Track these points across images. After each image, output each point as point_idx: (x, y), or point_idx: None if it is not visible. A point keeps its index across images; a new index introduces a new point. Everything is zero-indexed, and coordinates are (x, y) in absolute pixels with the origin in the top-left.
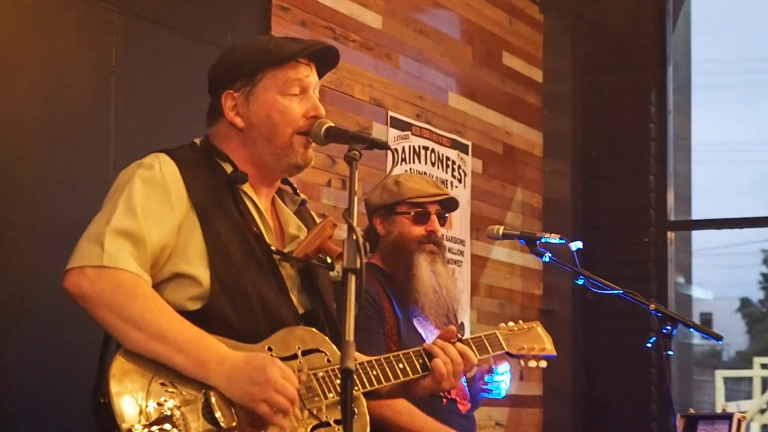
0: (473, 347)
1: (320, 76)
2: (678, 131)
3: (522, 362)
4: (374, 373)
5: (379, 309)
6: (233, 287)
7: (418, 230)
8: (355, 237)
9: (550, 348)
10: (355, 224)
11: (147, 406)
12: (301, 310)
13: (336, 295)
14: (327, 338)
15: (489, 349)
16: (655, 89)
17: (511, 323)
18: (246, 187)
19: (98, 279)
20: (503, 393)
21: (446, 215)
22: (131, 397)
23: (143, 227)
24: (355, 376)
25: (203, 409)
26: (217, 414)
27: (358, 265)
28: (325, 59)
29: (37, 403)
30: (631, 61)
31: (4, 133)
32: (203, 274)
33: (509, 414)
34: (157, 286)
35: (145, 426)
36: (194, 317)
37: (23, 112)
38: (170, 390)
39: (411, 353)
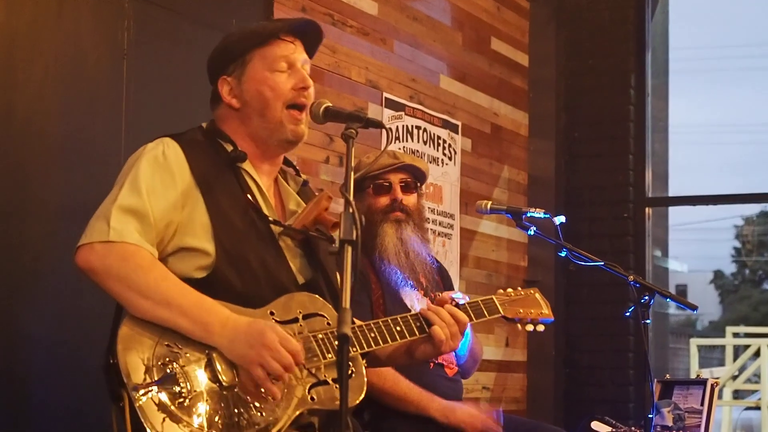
0: (470, 312)
1: (311, 54)
2: (656, 113)
3: (519, 326)
4: (372, 335)
5: (364, 280)
6: (237, 256)
7: (383, 200)
8: (351, 210)
9: (547, 312)
10: (351, 198)
11: (152, 365)
12: (301, 280)
13: (336, 265)
14: (327, 303)
15: (485, 313)
16: (634, 73)
17: (510, 290)
18: (246, 165)
19: (106, 253)
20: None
21: (417, 184)
22: (137, 358)
23: (147, 204)
24: (353, 338)
25: (206, 368)
26: (220, 372)
27: (354, 237)
28: (309, 36)
29: (52, 367)
30: (611, 46)
31: (21, 115)
32: (209, 246)
33: (495, 378)
34: (164, 259)
35: (149, 384)
36: (200, 285)
37: (39, 95)
38: (175, 351)
39: (408, 317)
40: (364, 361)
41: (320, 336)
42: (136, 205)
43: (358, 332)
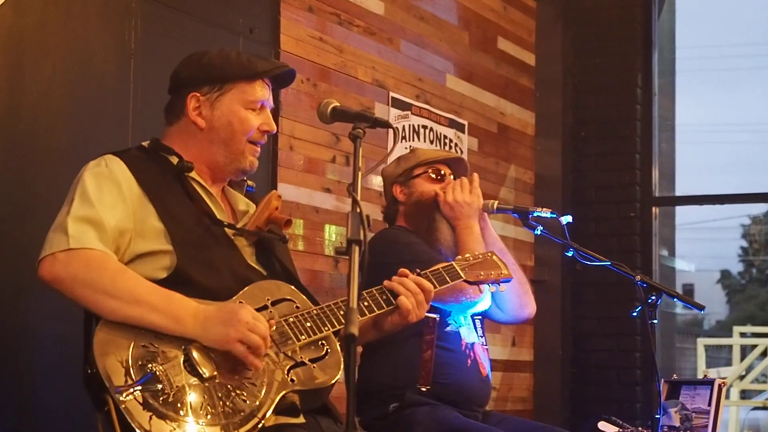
0: (432, 279)
1: (275, 95)
2: (663, 112)
3: (480, 288)
4: (341, 312)
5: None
6: (197, 256)
7: (435, 187)
8: (358, 210)
9: (506, 272)
10: (358, 198)
11: (131, 367)
12: (265, 272)
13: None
14: (293, 288)
15: (447, 279)
16: (641, 73)
17: (468, 255)
18: (193, 174)
19: (69, 261)
20: None
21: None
22: (116, 363)
23: (100, 213)
24: (323, 317)
25: (184, 363)
26: (198, 365)
27: (361, 236)
28: (284, 80)
29: (57, 367)
30: (618, 46)
31: (29, 115)
32: (166, 247)
33: (502, 378)
34: (127, 266)
35: (131, 384)
36: (165, 284)
37: (47, 94)
38: (152, 350)
39: (374, 290)
40: (337, 339)
41: (291, 320)
42: (90, 215)
43: (327, 311)
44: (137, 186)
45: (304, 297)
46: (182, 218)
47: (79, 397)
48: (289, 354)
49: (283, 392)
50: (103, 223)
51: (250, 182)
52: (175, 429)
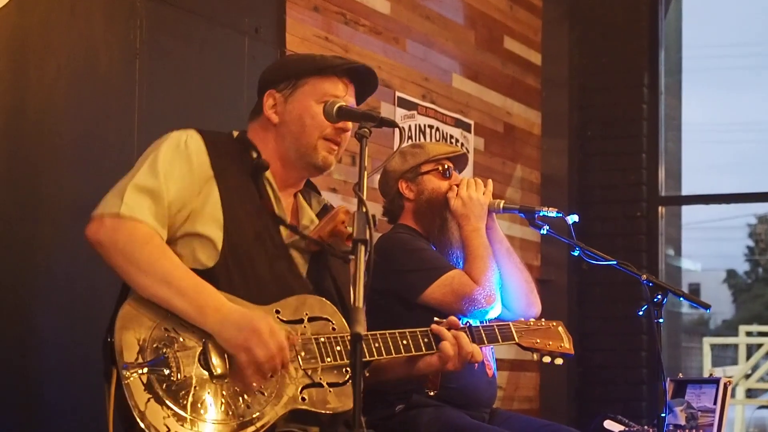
0: (484, 336)
1: (360, 100)
2: (669, 111)
3: (534, 356)
4: (376, 345)
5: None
6: (244, 253)
7: (445, 185)
8: (364, 209)
9: (567, 347)
10: (365, 197)
11: (146, 346)
12: (312, 286)
13: (348, 281)
14: (337, 310)
15: (499, 339)
16: (647, 72)
17: (531, 320)
18: (268, 175)
19: (114, 228)
20: None
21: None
22: (133, 338)
23: (162, 186)
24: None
25: (200, 356)
26: (212, 361)
27: (367, 236)
28: (365, 83)
29: (64, 365)
30: (624, 45)
31: (34, 115)
32: (217, 236)
33: (508, 377)
34: (173, 241)
35: (139, 365)
36: (205, 274)
37: (51, 94)
38: (172, 335)
39: (417, 332)
40: (365, 370)
41: (322, 339)
42: (152, 185)
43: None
44: (209, 167)
45: (345, 322)
46: (241, 211)
47: (85, 395)
48: (309, 372)
49: (290, 408)
50: (163, 197)
51: (326, 200)
52: (168, 416)
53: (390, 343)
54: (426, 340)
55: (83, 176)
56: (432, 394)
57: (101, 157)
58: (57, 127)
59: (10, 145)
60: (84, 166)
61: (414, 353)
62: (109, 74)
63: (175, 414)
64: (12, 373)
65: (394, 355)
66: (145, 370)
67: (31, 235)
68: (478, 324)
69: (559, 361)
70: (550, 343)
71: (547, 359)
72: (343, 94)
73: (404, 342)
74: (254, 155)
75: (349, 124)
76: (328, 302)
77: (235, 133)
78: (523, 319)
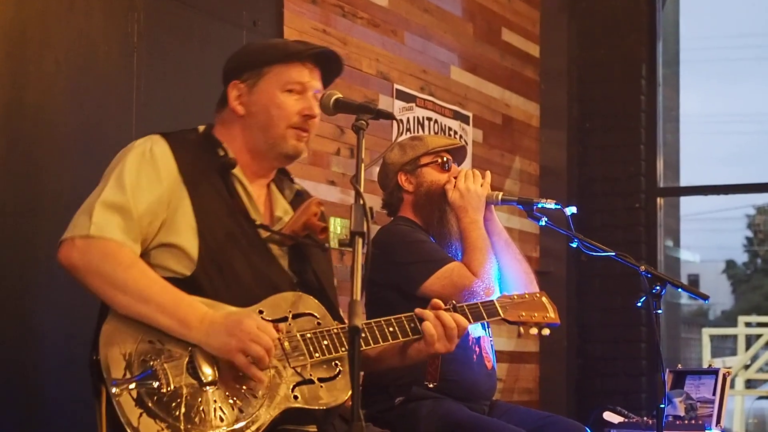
0: (469, 314)
1: (326, 83)
2: (667, 103)
3: (521, 329)
4: (363, 335)
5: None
6: (221, 257)
7: (444, 177)
8: (362, 202)
9: (552, 316)
10: (362, 190)
11: (133, 361)
12: (295, 279)
13: (329, 271)
14: (319, 303)
15: (484, 315)
16: (645, 63)
17: (514, 294)
18: (237, 172)
19: (86, 249)
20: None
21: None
22: (119, 353)
23: (131, 200)
24: (343, 337)
25: (187, 365)
26: (200, 369)
27: (365, 229)
28: (330, 67)
29: (64, 362)
30: (622, 37)
31: (32, 109)
32: (192, 244)
33: (508, 369)
34: (147, 253)
35: (129, 379)
36: (183, 284)
37: (50, 88)
38: (157, 347)
39: (403, 317)
40: None
41: (308, 335)
42: (120, 201)
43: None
44: (177, 173)
45: (329, 315)
46: (214, 214)
47: (86, 394)
48: (299, 370)
49: (284, 408)
50: (132, 211)
51: (299, 187)
52: (162, 429)
53: (377, 332)
54: (412, 325)
55: (82, 170)
56: (431, 386)
57: (100, 150)
58: (55, 122)
59: (9, 140)
60: (82, 160)
61: (401, 339)
62: (108, 68)
63: (170, 426)
64: (11, 370)
65: (381, 343)
66: (134, 385)
67: (29, 229)
68: (463, 303)
69: (546, 331)
70: (536, 314)
71: (534, 331)
72: (309, 80)
73: (390, 329)
74: (221, 153)
75: (317, 110)
76: (311, 297)
77: (201, 128)
78: (506, 294)
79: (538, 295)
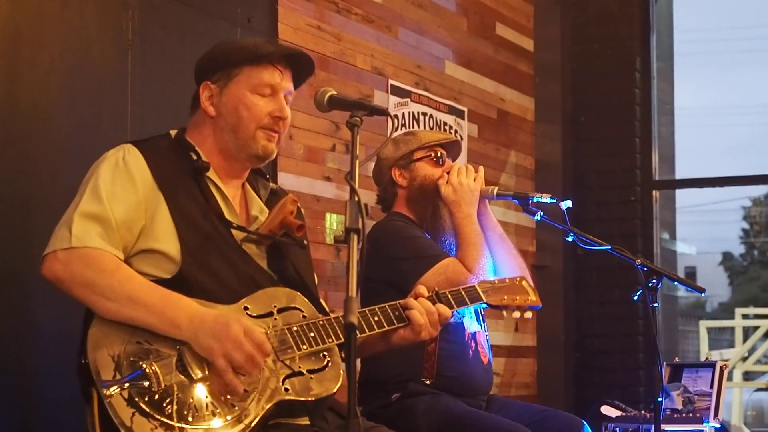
0: (452, 300)
1: (298, 84)
2: (661, 96)
3: (505, 313)
4: None
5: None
6: (203, 257)
7: (438, 171)
8: (356, 198)
9: (534, 299)
10: (356, 186)
11: (122, 362)
12: (276, 277)
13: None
14: (303, 297)
15: (467, 301)
16: (639, 57)
17: (495, 278)
18: (211, 174)
19: (68, 260)
20: None
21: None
22: (107, 355)
23: (108, 209)
24: (329, 328)
25: (177, 363)
26: (190, 366)
27: (360, 225)
28: (301, 69)
29: (60, 361)
30: (617, 30)
31: (27, 107)
32: (173, 247)
33: (505, 363)
34: (129, 261)
35: (119, 380)
36: (168, 285)
37: (44, 86)
38: (146, 347)
39: (387, 306)
40: (341, 352)
41: (295, 328)
42: (98, 211)
43: (334, 323)
44: (151, 180)
45: (313, 307)
46: (191, 217)
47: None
48: (288, 363)
49: (275, 401)
50: (110, 219)
51: (273, 185)
52: (156, 428)
53: (362, 322)
54: (396, 313)
55: (76, 167)
56: (428, 382)
57: (95, 149)
58: (50, 119)
59: (4, 138)
60: (77, 158)
61: (387, 328)
62: (102, 66)
63: (163, 424)
64: (9, 367)
65: (367, 332)
66: (126, 385)
67: (25, 227)
68: (446, 290)
69: (528, 314)
70: (517, 298)
71: (516, 314)
72: (279, 81)
73: (376, 318)
74: (194, 157)
75: (287, 112)
76: (295, 291)
77: (173, 132)
78: (487, 279)
79: (518, 279)
